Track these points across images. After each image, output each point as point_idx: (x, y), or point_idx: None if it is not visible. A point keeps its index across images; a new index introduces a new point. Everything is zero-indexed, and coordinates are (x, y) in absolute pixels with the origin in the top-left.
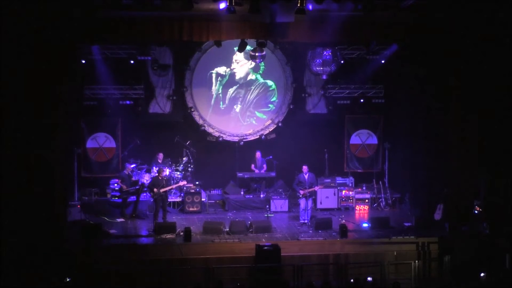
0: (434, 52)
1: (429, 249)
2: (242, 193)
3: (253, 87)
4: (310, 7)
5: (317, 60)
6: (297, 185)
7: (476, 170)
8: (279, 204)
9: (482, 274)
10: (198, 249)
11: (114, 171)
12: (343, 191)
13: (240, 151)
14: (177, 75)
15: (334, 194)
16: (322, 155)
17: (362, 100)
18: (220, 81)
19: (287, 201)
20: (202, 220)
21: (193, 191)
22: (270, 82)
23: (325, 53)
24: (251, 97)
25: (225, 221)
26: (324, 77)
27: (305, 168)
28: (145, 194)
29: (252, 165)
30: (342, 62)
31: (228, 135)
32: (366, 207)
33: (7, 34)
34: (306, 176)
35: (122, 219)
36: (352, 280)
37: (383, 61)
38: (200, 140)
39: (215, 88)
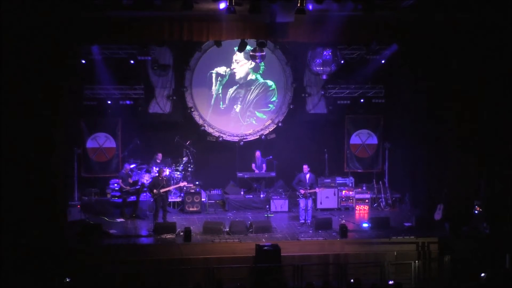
0: (434, 52)
1: (429, 249)
2: (242, 193)
3: (253, 87)
4: (310, 7)
5: (317, 60)
6: (297, 184)
7: (476, 170)
8: (279, 204)
9: (482, 274)
10: (198, 249)
11: (114, 171)
12: (343, 191)
13: (240, 151)
14: (177, 75)
15: (334, 194)
16: (322, 155)
17: (362, 100)
18: (220, 81)
19: (287, 201)
20: (202, 220)
21: (193, 191)
22: (270, 82)
23: (325, 53)
24: (251, 97)
25: (225, 221)
26: (324, 77)
27: (305, 167)
28: (145, 194)
29: (253, 164)
30: (342, 62)
31: (228, 135)
32: (366, 207)
33: (7, 34)
34: (307, 176)
35: (122, 219)
36: (352, 280)
37: (383, 61)
38: (200, 140)
39: (215, 88)
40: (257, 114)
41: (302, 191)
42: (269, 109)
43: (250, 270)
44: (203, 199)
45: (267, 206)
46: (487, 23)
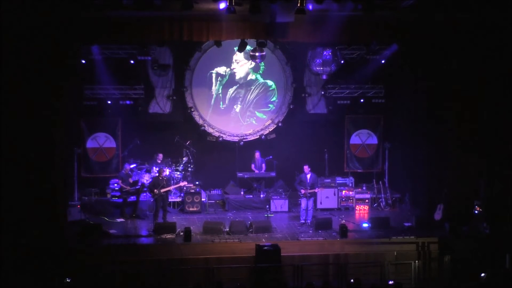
0: (434, 52)
1: (429, 249)
2: (242, 193)
3: (253, 87)
4: (310, 7)
5: (317, 60)
6: (299, 184)
7: (476, 170)
8: (279, 204)
9: (482, 274)
10: (198, 249)
11: (114, 171)
12: (343, 191)
13: (240, 151)
14: (177, 75)
15: (334, 194)
16: (322, 155)
17: (362, 100)
18: (220, 81)
19: (287, 201)
20: (202, 220)
21: (193, 191)
22: (270, 82)
23: (325, 53)
24: (251, 97)
25: (225, 221)
26: (324, 77)
27: (306, 168)
28: (145, 194)
29: (252, 165)
30: (342, 62)
31: (228, 135)
32: (366, 207)
33: (7, 34)
34: (308, 176)
35: (122, 219)
36: (352, 280)
37: (383, 61)
38: (200, 140)
39: (215, 88)
40: (257, 114)
41: (302, 191)
42: (269, 109)
43: (250, 270)
44: (203, 199)
45: (267, 206)
46: (487, 23)
